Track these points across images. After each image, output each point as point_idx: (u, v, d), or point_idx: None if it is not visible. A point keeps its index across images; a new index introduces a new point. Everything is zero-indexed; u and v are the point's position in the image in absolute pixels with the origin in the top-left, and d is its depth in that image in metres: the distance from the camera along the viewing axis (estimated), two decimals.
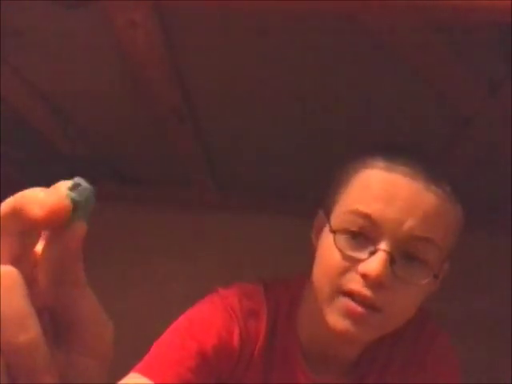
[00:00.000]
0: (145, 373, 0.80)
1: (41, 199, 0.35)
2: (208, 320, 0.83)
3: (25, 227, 0.35)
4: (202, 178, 1.90)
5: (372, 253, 0.71)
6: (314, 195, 2.00)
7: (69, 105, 1.48)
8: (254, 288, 0.89)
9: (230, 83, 1.28)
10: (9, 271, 0.33)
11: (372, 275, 0.70)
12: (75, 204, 0.36)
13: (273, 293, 0.88)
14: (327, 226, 0.77)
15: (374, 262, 0.70)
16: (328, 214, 0.79)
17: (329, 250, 0.75)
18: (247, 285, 0.92)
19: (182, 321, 0.87)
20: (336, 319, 0.74)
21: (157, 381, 0.77)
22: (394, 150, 0.78)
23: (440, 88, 1.19)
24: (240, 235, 2.03)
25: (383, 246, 0.71)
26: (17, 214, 0.36)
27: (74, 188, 0.36)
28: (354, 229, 0.74)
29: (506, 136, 1.31)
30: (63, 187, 0.36)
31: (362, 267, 0.71)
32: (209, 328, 0.82)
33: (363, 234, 0.74)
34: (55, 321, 0.36)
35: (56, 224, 0.34)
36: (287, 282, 0.90)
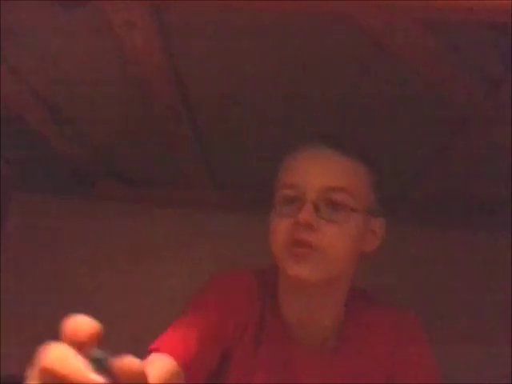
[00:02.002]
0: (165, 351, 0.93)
1: None
2: (213, 300, 1.00)
3: None
4: (201, 178, 1.91)
5: (301, 207, 0.93)
6: None
7: (68, 105, 1.48)
8: (245, 273, 1.06)
9: (229, 83, 1.28)
10: None
11: (302, 221, 0.91)
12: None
13: (260, 277, 1.05)
14: (273, 209, 0.99)
15: (302, 211, 0.92)
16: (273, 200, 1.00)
17: (274, 221, 0.97)
18: (239, 270, 1.08)
19: (195, 299, 1.03)
20: (291, 267, 0.94)
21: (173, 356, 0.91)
22: (316, 140, 1.00)
23: (440, 88, 1.19)
24: (239, 235, 2.03)
25: (308, 198, 0.93)
26: None
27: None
28: (286, 197, 0.97)
29: (505, 136, 1.31)
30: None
31: (295, 218, 0.93)
32: (214, 307, 0.99)
33: (294, 198, 0.95)
34: None
35: None
36: (268, 268, 1.06)
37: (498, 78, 1.11)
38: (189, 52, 1.16)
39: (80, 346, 0.48)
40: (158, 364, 0.90)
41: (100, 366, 0.44)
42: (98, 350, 0.44)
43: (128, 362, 0.45)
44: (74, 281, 2.02)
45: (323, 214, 0.93)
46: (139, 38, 1.07)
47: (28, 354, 1.86)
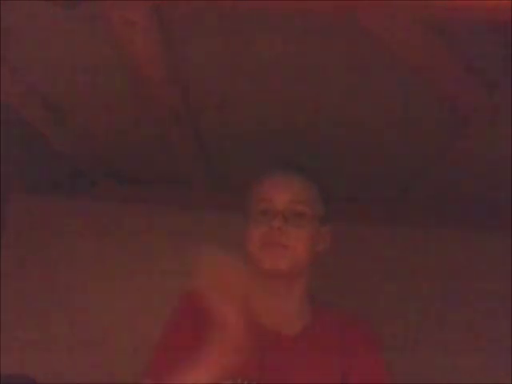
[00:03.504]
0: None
1: None
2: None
3: None
4: (201, 177, 1.91)
5: (274, 217, 1.22)
6: None
7: (68, 105, 1.48)
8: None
9: (229, 83, 1.28)
10: None
11: (275, 227, 1.21)
12: None
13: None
14: (247, 219, 1.28)
15: (276, 220, 1.22)
16: (246, 213, 1.29)
17: (251, 228, 1.26)
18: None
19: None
20: (269, 262, 1.22)
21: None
22: (281, 166, 1.31)
23: (440, 88, 1.19)
24: (239, 235, 2.02)
25: (278, 210, 1.23)
26: None
27: None
28: (261, 209, 1.25)
29: (505, 136, 1.31)
30: None
31: (270, 225, 1.22)
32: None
33: (267, 210, 1.24)
34: None
35: None
36: None
37: (498, 78, 1.11)
38: (189, 52, 1.16)
39: None
40: None
41: None
42: None
43: None
44: (73, 281, 2.02)
45: (290, 221, 1.23)
46: (139, 38, 1.07)
47: (28, 354, 1.88)
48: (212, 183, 1.96)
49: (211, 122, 1.50)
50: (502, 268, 1.92)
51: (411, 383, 1.86)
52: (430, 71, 1.13)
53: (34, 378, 1.73)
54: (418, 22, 0.98)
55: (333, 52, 1.11)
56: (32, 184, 2.02)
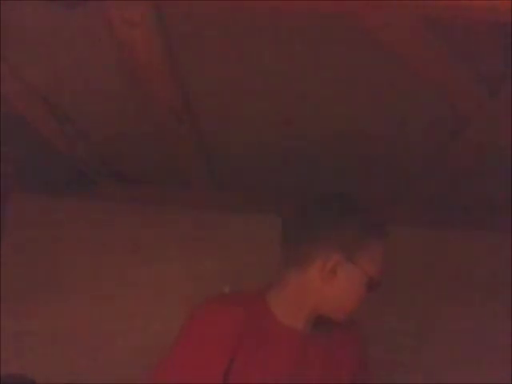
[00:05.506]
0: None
1: None
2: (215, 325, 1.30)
3: None
4: (201, 177, 1.91)
5: (368, 288, 1.34)
6: (313, 195, 2.00)
7: (68, 105, 1.48)
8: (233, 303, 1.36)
9: (229, 83, 1.28)
10: None
11: (363, 296, 1.35)
12: None
13: (247, 305, 1.34)
14: (349, 266, 1.32)
15: (366, 290, 1.35)
16: (349, 258, 1.32)
17: (356, 285, 1.33)
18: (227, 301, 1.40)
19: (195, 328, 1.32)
20: (344, 318, 1.37)
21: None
22: (380, 232, 1.36)
23: (440, 88, 1.19)
24: (240, 235, 2.03)
25: (371, 285, 1.35)
26: None
27: None
28: (363, 281, 1.33)
29: (506, 136, 1.31)
30: None
31: (362, 292, 1.35)
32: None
33: (365, 283, 1.34)
34: None
35: None
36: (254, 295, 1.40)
37: (499, 78, 1.11)
38: (189, 51, 1.16)
39: None
40: None
41: None
42: None
43: None
44: (73, 280, 2.02)
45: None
46: (140, 38, 1.07)
47: (28, 354, 1.89)
48: (212, 183, 1.96)
49: (211, 122, 1.50)
50: (502, 268, 1.92)
51: (411, 383, 1.87)
52: (430, 71, 1.13)
53: (34, 378, 1.73)
54: (418, 22, 0.98)
55: (333, 52, 1.11)
56: (32, 184, 2.02)
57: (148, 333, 1.96)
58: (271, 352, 1.30)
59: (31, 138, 1.65)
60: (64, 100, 1.45)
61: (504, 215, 1.82)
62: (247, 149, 1.66)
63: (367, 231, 1.33)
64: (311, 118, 1.42)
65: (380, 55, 1.10)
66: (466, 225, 1.95)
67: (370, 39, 1.03)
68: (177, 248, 2.04)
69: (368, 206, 1.40)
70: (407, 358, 1.86)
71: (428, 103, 1.27)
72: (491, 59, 1.06)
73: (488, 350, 1.89)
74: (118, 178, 2.01)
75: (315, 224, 1.34)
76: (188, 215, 2.04)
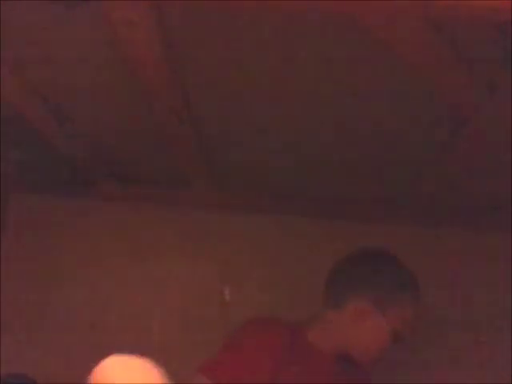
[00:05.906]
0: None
1: None
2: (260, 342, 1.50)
3: None
4: (201, 177, 1.90)
5: (394, 340, 1.57)
6: (313, 195, 2.01)
7: (68, 105, 1.48)
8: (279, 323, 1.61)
9: (230, 83, 1.28)
10: None
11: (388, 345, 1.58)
12: None
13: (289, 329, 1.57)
14: (379, 317, 1.53)
15: (391, 342, 1.57)
16: (380, 310, 1.53)
17: (382, 335, 1.54)
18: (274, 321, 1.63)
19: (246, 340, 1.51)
20: (370, 363, 1.59)
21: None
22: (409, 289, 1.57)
23: (440, 88, 1.19)
24: (240, 235, 2.03)
25: (397, 338, 1.58)
26: None
27: None
28: (391, 335, 1.54)
29: (505, 136, 1.31)
30: None
31: (388, 343, 1.56)
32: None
33: (392, 336, 1.56)
34: None
35: None
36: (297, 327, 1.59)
37: (499, 78, 1.11)
38: (190, 51, 1.16)
39: None
40: None
41: None
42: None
43: None
44: (73, 280, 2.02)
45: None
46: (140, 38, 1.07)
47: (28, 354, 1.89)
48: (212, 183, 1.95)
49: (211, 122, 1.50)
50: (502, 268, 1.92)
51: (411, 383, 1.87)
52: (430, 71, 1.13)
53: (34, 378, 1.73)
54: (418, 22, 0.98)
55: (332, 51, 1.11)
56: (32, 184, 2.02)
57: (148, 333, 1.96)
58: (308, 374, 1.49)
59: (31, 137, 1.65)
60: (64, 100, 1.45)
61: (504, 215, 1.82)
62: (247, 149, 1.66)
63: (403, 291, 1.54)
64: (311, 117, 1.42)
65: (380, 55, 1.10)
66: (466, 225, 1.95)
67: (370, 39, 1.03)
68: (177, 248, 2.04)
69: (407, 267, 1.59)
70: (406, 357, 1.86)
71: (428, 103, 1.27)
72: (491, 59, 1.06)
73: (488, 350, 1.89)
74: (117, 178, 2.01)
75: (357, 274, 1.56)
76: (188, 215, 2.04)
